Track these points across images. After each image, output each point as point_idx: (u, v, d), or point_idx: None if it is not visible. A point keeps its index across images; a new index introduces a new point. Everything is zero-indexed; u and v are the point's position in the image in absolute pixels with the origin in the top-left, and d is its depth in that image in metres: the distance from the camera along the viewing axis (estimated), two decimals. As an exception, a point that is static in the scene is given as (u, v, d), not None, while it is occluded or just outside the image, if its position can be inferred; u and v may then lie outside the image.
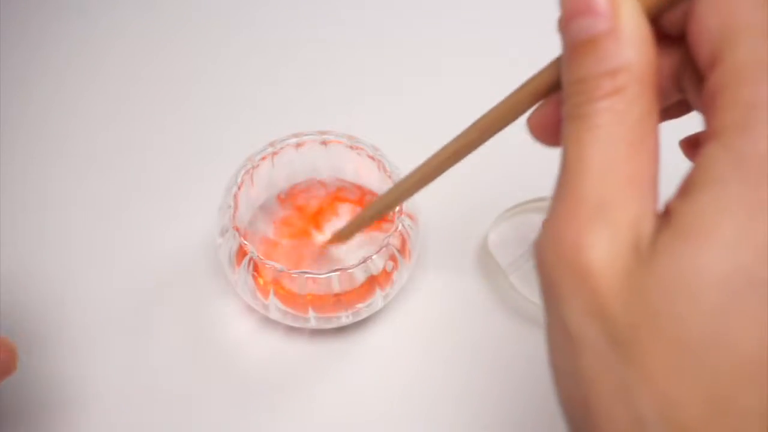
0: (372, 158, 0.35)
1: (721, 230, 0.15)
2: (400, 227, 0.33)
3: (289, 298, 0.33)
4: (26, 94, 0.44)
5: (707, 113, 0.17)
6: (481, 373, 0.34)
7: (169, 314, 0.36)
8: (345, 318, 0.34)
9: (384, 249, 0.32)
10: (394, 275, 0.34)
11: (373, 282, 0.33)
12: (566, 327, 0.17)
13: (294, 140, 0.35)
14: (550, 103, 0.20)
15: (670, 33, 0.19)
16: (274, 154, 0.35)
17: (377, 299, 0.34)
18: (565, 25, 0.18)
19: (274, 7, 0.49)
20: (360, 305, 0.34)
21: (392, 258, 0.33)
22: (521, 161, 0.38)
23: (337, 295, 0.33)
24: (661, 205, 0.17)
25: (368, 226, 0.32)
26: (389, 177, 0.34)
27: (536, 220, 0.38)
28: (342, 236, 0.33)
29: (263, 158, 0.35)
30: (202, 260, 0.37)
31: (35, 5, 0.48)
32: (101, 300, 0.36)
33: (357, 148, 0.35)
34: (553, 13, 0.44)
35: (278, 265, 0.31)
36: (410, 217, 0.34)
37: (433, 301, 0.36)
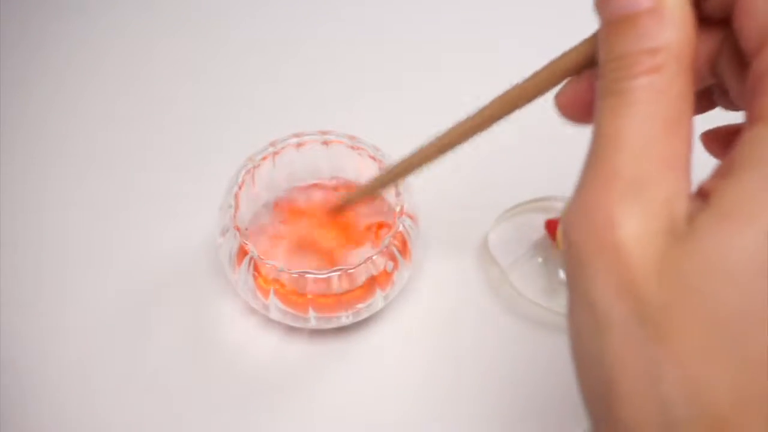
0: (373, 158, 0.35)
1: (766, 211, 0.15)
2: (401, 227, 0.33)
3: (289, 298, 0.33)
4: (25, 94, 0.44)
5: (753, 96, 0.17)
6: (481, 373, 0.34)
7: (169, 314, 0.36)
8: (345, 318, 0.34)
9: (385, 249, 0.32)
10: (395, 275, 0.34)
11: (373, 282, 0.33)
12: (593, 306, 0.17)
13: (295, 140, 0.35)
14: (582, 80, 0.20)
15: (710, 17, 0.19)
16: (275, 153, 0.35)
17: (377, 299, 0.34)
18: (605, 1, 0.18)
19: (273, 5, 0.48)
20: (360, 305, 0.34)
21: (392, 258, 0.33)
22: (521, 161, 0.38)
23: (337, 295, 0.33)
24: (694, 187, 0.17)
25: (386, 187, 0.31)
26: None
27: (536, 220, 0.38)
28: (354, 199, 0.32)
29: (264, 158, 0.35)
30: (202, 260, 0.37)
31: (34, 5, 0.48)
32: (101, 300, 0.36)
33: (358, 149, 0.35)
34: (554, 9, 0.44)
35: (279, 265, 0.31)
36: (411, 217, 0.34)
37: (433, 301, 0.36)
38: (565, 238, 0.18)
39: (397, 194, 0.34)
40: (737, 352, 0.15)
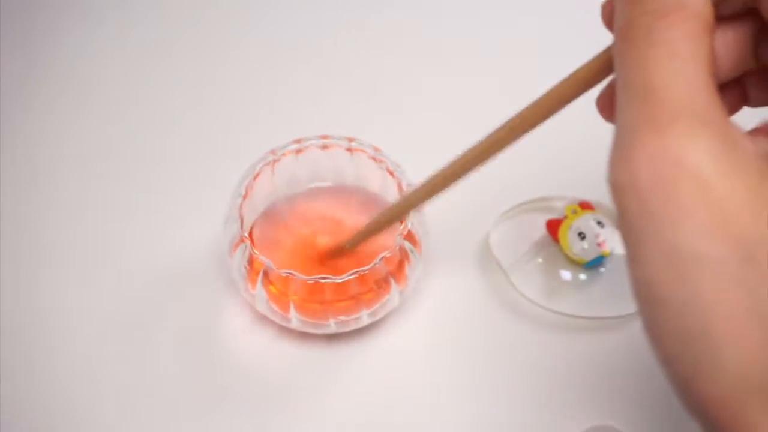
0: (373, 159, 0.35)
1: None
2: (409, 225, 0.33)
3: (304, 306, 0.33)
4: (32, 95, 0.43)
5: None
6: (481, 373, 0.35)
7: (179, 320, 0.35)
8: (365, 318, 0.34)
9: (397, 246, 0.32)
10: (408, 270, 0.33)
11: (388, 279, 0.33)
12: (679, 249, 0.16)
13: (295, 146, 0.35)
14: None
15: (736, 13, 0.19)
16: (275, 161, 0.35)
17: (393, 296, 0.33)
18: None
19: (280, 10, 0.48)
20: (376, 305, 0.33)
21: (405, 254, 0.33)
22: (521, 161, 0.37)
23: (354, 297, 0.32)
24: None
25: (386, 228, 0.31)
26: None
27: (537, 219, 0.38)
28: (348, 248, 0.32)
29: (267, 164, 0.34)
30: (210, 266, 0.37)
31: (41, 5, 0.48)
32: (110, 304, 0.36)
33: (357, 150, 0.35)
34: (566, 15, 0.43)
35: (297, 274, 0.31)
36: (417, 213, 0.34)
37: (433, 302, 0.36)
38: (624, 192, 0.17)
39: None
40: None
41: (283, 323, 0.34)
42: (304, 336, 0.35)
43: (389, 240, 0.33)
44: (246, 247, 0.32)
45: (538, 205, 0.38)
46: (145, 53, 0.46)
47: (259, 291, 0.32)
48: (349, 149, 0.35)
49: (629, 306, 0.35)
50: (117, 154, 0.41)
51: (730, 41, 0.20)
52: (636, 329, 0.34)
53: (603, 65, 0.20)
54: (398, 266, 0.33)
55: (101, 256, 0.38)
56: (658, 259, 0.17)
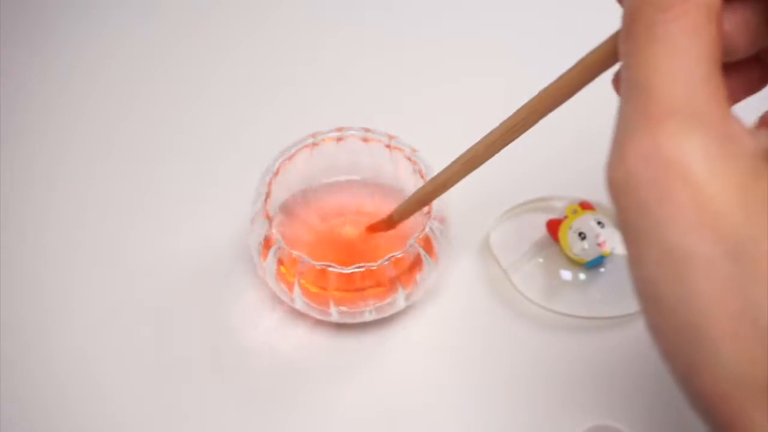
0: (408, 159, 0.35)
1: None
2: (427, 230, 0.33)
3: (310, 290, 0.33)
4: (43, 91, 0.43)
5: None
6: (481, 373, 0.35)
7: (195, 306, 0.36)
8: (368, 314, 0.34)
9: (410, 249, 0.32)
10: (418, 276, 0.33)
11: (395, 281, 0.33)
12: (673, 248, 0.16)
13: (335, 134, 0.35)
14: None
15: None
16: (314, 145, 0.35)
17: (399, 299, 0.33)
18: None
19: (284, 8, 0.48)
20: (379, 304, 0.33)
21: (418, 259, 0.33)
22: (521, 161, 0.37)
23: (359, 290, 0.32)
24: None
25: (422, 207, 0.32)
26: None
27: (537, 219, 0.38)
28: (396, 218, 0.33)
29: (303, 148, 0.35)
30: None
31: (41, 5, 0.48)
32: (128, 291, 0.36)
33: (396, 149, 0.35)
34: (576, 16, 0.43)
35: (304, 257, 0.31)
36: (439, 220, 0.34)
37: (433, 302, 0.36)
38: (620, 191, 0.17)
39: None
40: None
41: (290, 303, 0.34)
42: (314, 323, 0.35)
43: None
44: (264, 223, 0.32)
45: (538, 205, 0.38)
46: (146, 53, 0.46)
47: (270, 265, 0.32)
48: (388, 146, 0.35)
49: (629, 306, 0.35)
50: (119, 153, 0.41)
51: (744, 18, 0.19)
52: (636, 329, 0.35)
53: None
54: (409, 269, 0.33)
55: (116, 251, 0.38)
56: (656, 258, 0.17)
